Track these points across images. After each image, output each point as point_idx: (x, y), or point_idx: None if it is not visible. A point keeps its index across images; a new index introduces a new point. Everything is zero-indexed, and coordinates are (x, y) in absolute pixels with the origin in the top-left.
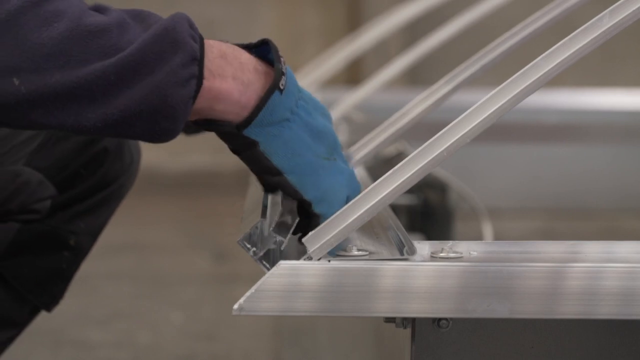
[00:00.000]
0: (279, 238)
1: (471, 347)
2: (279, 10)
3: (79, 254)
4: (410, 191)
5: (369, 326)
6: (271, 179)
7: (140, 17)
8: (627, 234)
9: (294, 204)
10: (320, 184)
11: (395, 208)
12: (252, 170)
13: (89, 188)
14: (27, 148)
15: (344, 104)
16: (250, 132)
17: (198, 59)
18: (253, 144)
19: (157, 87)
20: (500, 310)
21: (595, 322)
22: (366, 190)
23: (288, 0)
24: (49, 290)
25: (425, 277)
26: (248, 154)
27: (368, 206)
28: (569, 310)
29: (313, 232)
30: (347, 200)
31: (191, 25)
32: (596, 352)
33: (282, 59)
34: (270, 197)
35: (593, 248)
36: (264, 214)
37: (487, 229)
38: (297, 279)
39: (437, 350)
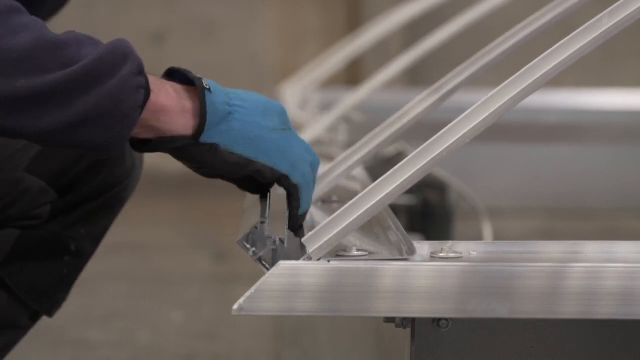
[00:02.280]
0: (278, 238)
1: (471, 347)
2: (279, 10)
3: (81, 259)
4: (410, 191)
5: (369, 326)
6: (247, 170)
7: (90, 38)
8: (627, 234)
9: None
10: (288, 155)
11: (394, 208)
12: (227, 174)
13: (90, 193)
14: (28, 154)
15: (344, 104)
16: (206, 138)
17: (143, 72)
18: (214, 147)
19: (111, 93)
20: (500, 310)
21: (595, 322)
22: (366, 190)
23: (288, 0)
24: (50, 296)
25: (425, 277)
26: (214, 160)
27: (368, 206)
28: (569, 310)
29: (313, 232)
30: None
31: (133, 48)
32: (596, 352)
33: (191, 72)
34: (269, 197)
35: (593, 248)
36: (263, 214)
37: (487, 229)
38: (297, 279)
39: (437, 350)
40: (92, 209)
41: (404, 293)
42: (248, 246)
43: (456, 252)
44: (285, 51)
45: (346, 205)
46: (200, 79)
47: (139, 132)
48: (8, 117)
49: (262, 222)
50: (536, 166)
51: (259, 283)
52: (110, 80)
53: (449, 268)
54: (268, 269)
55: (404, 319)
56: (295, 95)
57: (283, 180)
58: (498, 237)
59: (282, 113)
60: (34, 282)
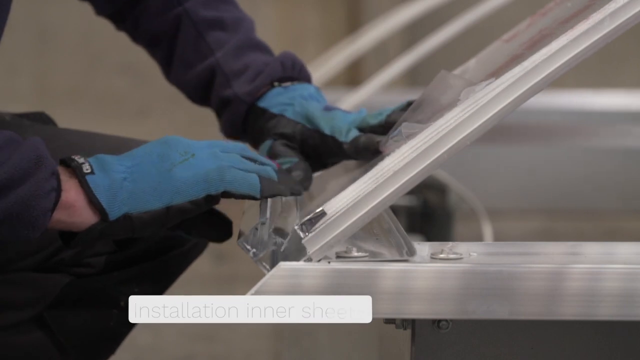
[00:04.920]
0: (278, 239)
1: (471, 349)
2: (279, 11)
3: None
4: (410, 192)
5: (369, 327)
6: (171, 218)
7: (7, 140)
8: (627, 235)
9: (292, 206)
10: (198, 178)
11: (395, 209)
12: (157, 232)
13: (148, 251)
14: None
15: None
16: (115, 213)
17: (56, 174)
18: (127, 217)
19: (23, 199)
20: (500, 311)
21: (595, 324)
22: (367, 192)
23: (288, 1)
24: (93, 347)
25: (425, 278)
26: (133, 228)
27: (368, 208)
28: (569, 311)
29: (313, 233)
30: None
31: (46, 150)
32: (596, 353)
33: (75, 157)
34: (270, 198)
35: (593, 249)
36: (263, 215)
37: (487, 230)
38: (297, 280)
39: (437, 351)
40: (149, 268)
41: (404, 294)
42: (248, 247)
43: (456, 253)
44: None
45: (347, 207)
46: (80, 165)
47: (55, 229)
48: None
49: (263, 223)
50: (536, 167)
51: (259, 284)
52: (23, 186)
53: (449, 269)
54: (268, 270)
55: (404, 320)
56: None
57: (210, 200)
58: (498, 238)
59: (178, 144)
60: (77, 330)
